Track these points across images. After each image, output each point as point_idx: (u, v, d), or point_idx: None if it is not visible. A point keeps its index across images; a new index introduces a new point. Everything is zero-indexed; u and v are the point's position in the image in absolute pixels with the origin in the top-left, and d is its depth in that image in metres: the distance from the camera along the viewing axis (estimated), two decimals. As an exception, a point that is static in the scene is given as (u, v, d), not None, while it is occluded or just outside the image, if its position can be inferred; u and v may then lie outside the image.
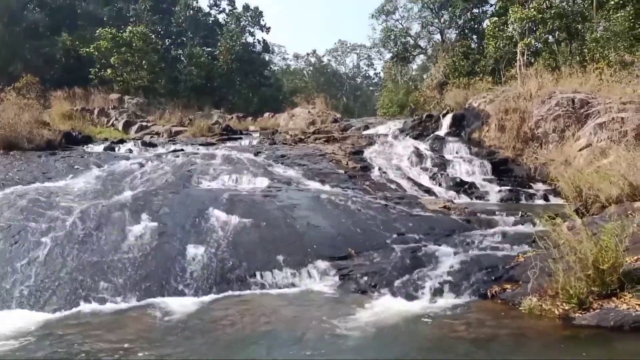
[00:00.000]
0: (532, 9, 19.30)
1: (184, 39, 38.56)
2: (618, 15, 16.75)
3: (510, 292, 5.24)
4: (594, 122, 11.54)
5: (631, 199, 7.33)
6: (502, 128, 13.90)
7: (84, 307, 5.31)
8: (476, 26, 29.25)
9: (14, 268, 5.84)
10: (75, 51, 28.88)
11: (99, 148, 14.54)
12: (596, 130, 11.30)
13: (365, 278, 5.82)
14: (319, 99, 26.76)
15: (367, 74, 62.43)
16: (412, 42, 34.09)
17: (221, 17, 41.40)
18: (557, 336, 4.34)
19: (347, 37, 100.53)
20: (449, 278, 5.57)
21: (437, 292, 5.38)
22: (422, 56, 36.46)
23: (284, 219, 7.27)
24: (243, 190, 8.80)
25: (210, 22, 40.48)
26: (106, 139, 16.95)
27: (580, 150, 11.31)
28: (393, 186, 11.06)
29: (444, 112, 17.24)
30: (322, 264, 6.15)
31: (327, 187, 9.93)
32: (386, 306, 5.14)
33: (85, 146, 14.78)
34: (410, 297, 5.36)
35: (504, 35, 21.05)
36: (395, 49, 33.38)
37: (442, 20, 31.25)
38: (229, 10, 41.01)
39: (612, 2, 17.63)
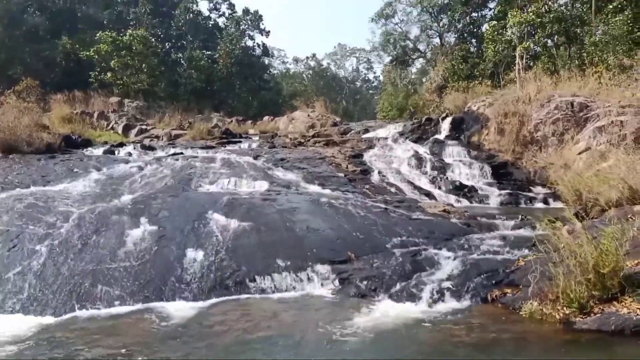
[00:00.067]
0: (531, 13, 19.33)
1: (184, 43, 38.59)
2: (617, 19, 16.78)
3: (511, 296, 5.23)
4: (593, 126, 11.55)
5: (631, 202, 7.32)
6: (501, 131, 13.92)
7: (83, 311, 5.30)
8: (475, 30, 29.29)
9: (13, 272, 5.82)
10: (75, 54, 28.89)
11: (98, 151, 14.54)
12: (595, 133, 11.31)
13: (365, 282, 5.80)
14: (319, 103, 26.82)
15: (366, 78, 62.60)
16: (411, 45, 34.16)
17: (221, 21, 41.49)
18: (557, 340, 4.32)
19: (346, 40, 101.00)
20: (449, 282, 5.56)
21: (437, 297, 5.36)
22: (421, 60, 36.53)
23: (283, 222, 7.26)
24: (242, 194, 8.79)
25: (210, 25, 40.51)
26: (106, 143, 16.94)
27: (579, 153, 11.32)
28: (393, 190, 11.06)
29: (444, 115, 17.26)
30: (321, 268, 6.13)
31: (326, 191, 9.92)
32: (386, 310, 5.12)
33: (84, 149, 14.79)
34: (410, 301, 5.34)
35: (503, 39, 21.06)
36: (395, 53, 33.44)
37: (441, 24, 31.31)
38: (229, 14, 41.08)
39: (611, 6, 17.68)
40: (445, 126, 16.35)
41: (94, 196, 8.50)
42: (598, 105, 12.02)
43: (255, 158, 13.08)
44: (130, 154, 14.29)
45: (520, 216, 8.28)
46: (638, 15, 16.92)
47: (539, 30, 19.85)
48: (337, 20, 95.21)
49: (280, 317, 5.07)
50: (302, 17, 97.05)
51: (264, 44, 41.39)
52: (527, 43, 19.11)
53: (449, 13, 29.41)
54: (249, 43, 39.08)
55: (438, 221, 7.89)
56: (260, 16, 39.63)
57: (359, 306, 5.25)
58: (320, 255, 6.37)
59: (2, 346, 4.38)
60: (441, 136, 15.94)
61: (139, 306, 5.40)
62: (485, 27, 26.47)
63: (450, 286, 5.49)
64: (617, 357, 4.11)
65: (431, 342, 4.47)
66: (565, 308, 4.61)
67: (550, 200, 10.92)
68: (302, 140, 17.17)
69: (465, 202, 10.99)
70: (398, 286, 5.63)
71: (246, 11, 39.55)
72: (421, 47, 34.62)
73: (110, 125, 22.55)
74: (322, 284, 5.95)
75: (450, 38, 31.20)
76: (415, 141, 15.71)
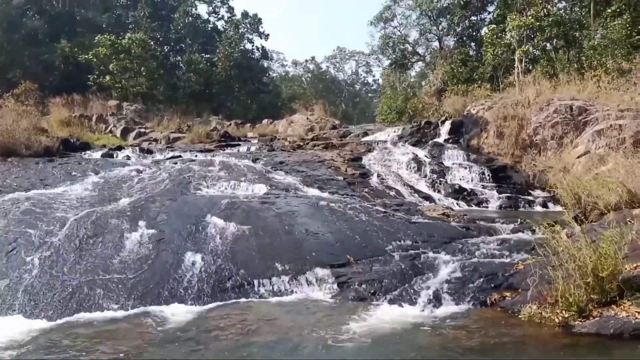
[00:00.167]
0: (530, 17, 19.40)
1: (183, 46, 38.65)
2: (615, 23, 16.84)
3: (510, 299, 5.22)
4: (592, 129, 11.57)
5: (630, 206, 7.33)
6: (500, 135, 13.94)
7: (81, 315, 5.26)
8: (474, 33, 29.37)
9: (10, 275, 5.80)
10: (74, 58, 28.92)
11: (96, 155, 14.54)
12: (594, 137, 11.32)
13: (364, 286, 5.78)
14: (318, 106, 26.86)
15: (365, 81, 62.73)
16: (410, 49, 34.22)
17: (220, 24, 41.59)
18: (556, 344, 4.31)
19: (345, 43, 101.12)
20: (448, 286, 5.55)
21: (436, 300, 5.35)
22: (420, 63, 36.63)
23: (282, 226, 7.24)
24: (241, 197, 8.77)
25: (209, 29, 40.60)
26: (104, 146, 16.93)
27: (578, 157, 11.33)
28: (392, 193, 11.05)
29: (443, 118, 17.29)
30: (320, 272, 6.12)
31: (325, 194, 9.91)
32: (385, 314, 5.10)
33: (83, 153, 14.79)
34: (409, 305, 5.32)
35: (502, 42, 21.12)
36: (394, 56, 33.50)
37: (440, 28, 31.39)
38: (228, 17, 41.17)
39: (610, 10, 17.74)
40: (445, 129, 16.38)
41: (92, 199, 8.48)
42: (597, 109, 12.04)
43: (254, 161, 13.08)
44: (128, 157, 14.29)
45: (519, 220, 8.28)
46: (636, 19, 17.00)
47: (538, 34, 19.91)
48: (336, 24, 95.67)
49: (278, 321, 5.05)
50: (301, 21, 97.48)
51: (263, 47, 41.51)
52: (526, 47, 19.18)
53: (448, 16, 29.49)
54: (248, 46, 39.21)
55: (437, 225, 7.88)
56: (260, 19, 39.76)
57: (357, 310, 5.23)
58: (319, 259, 6.36)
59: (0, 351, 4.37)
60: (440, 139, 15.96)
61: (137, 310, 5.37)
62: (484, 30, 26.60)
63: (450, 290, 5.48)
64: (617, 361, 4.10)
65: (430, 346, 4.45)
66: (564, 311, 4.60)
67: (550, 204, 10.93)
68: (301, 144, 17.19)
69: (464, 206, 11.00)
70: (397, 290, 5.62)
71: (245, 14, 39.64)
72: (420, 50, 34.75)
73: (109, 129, 22.55)
74: (321, 288, 5.93)
75: (450, 41, 31.32)
76: (414, 144, 15.73)
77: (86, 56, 27.36)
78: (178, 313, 5.25)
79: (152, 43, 29.75)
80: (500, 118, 14.04)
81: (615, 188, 7.67)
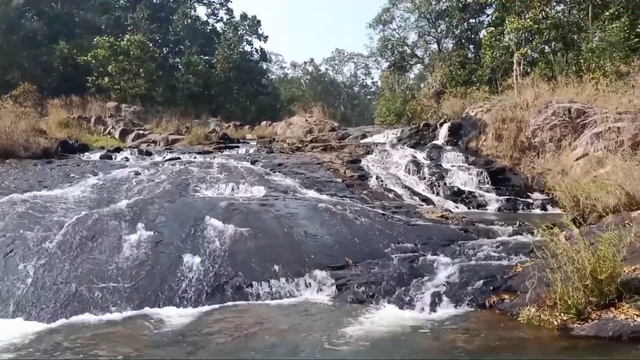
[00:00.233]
0: (529, 20, 19.43)
1: (182, 48, 38.64)
2: (613, 26, 16.89)
3: (509, 302, 5.22)
4: (591, 132, 11.59)
5: (628, 208, 7.33)
6: (499, 137, 13.95)
7: (79, 317, 5.25)
8: (473, 36, 29.43)
9: (8, 278, 5.79)
10: (73, 59, 28.91)
11: (95, 156, 14.53)
12: (593, 139, 11.34)
13: (363, 288, 5.78)
14: (317, 108, 26.87)
15: (364, 83, 62.68)
16: (409, 51, 34.25)
17: (219, 26, 41.58)
18: (555, 347, 4.31)
19: (344, 45, 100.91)
20: (447, 288, 5.54)
21: (435, 303, 5.34)
22: (419, 65, 36.69)
23: (281, 228, 7.24)
24: (240, 199, 8.76)
25: (208, 30, 40.60)
26: (103, 147, 16.92)
27: (577, 159, 11.35)
28: (391, 195, 11.05)
29: (441, 121, 17.32)
30: (319, 274, 6.11)
31: (324, 196, 9.90)
32: (383, 316, 5.10)
33: (81, 154, 14.78)
34: (407, 308, 5.32)
35: (501, 45, 21.16)
36: (393, 58, 33.52)
37: (439, 30, 31.43)
38: (227, 19, 41.18)
39: (608, 13, 17.80)
40: (443, 132, 16.40)
41: (90, 201, 8.47)
42: (595, 112, 12.07)
43: (253, 163, 13.08)
44: (127, 159, 14.28)
45: (518, 222, 8.29)
46: (634, 22, 17.07)
47: (536, 37, 19.96)
48: (335, 26, 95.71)
49: (277, 324, 5.05)
50: (300, 22, 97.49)
51: (262, 49, 41.48)
52: (525, 49, 19.21)
53: (446, 19, 29.53)
54: (247, 48, 39.15)
55: (436, 227, 7.89)
56: (259, 21, 39.74)
57: (356, 312, 5.22)
58: (318, 261, 6.35)
59: (-3, 353, 4.35)
60: (439, 142, 15.99)
61: (135, 312, 5.36)
62: (482, 33, 26.64)
63: (448, 292, 5.47)
64: (615, 364, 4.10)
65: (429, 349, 4.45)
66: (562, 314, 4.60)
67: (548, 206, 10.93)
68: (300, 146, 17.19)
69: (463, 208, 11.00)
70: (396, 292, 5.61)
71: (244, 16, 39.62)
72: (419, 52, 34.79)
73: (108, 130, 22.55)
74: (319, 290, 5.93)
75: (448, 44, 31.37)
76: (413, 147, 15.74)
77: (85, 58, 27.35)
78: (176, 315, 5.24)
79: (150, 45, 29.76)
80: (498, 120, 14.05)
81: (613, 190, 7.68)
